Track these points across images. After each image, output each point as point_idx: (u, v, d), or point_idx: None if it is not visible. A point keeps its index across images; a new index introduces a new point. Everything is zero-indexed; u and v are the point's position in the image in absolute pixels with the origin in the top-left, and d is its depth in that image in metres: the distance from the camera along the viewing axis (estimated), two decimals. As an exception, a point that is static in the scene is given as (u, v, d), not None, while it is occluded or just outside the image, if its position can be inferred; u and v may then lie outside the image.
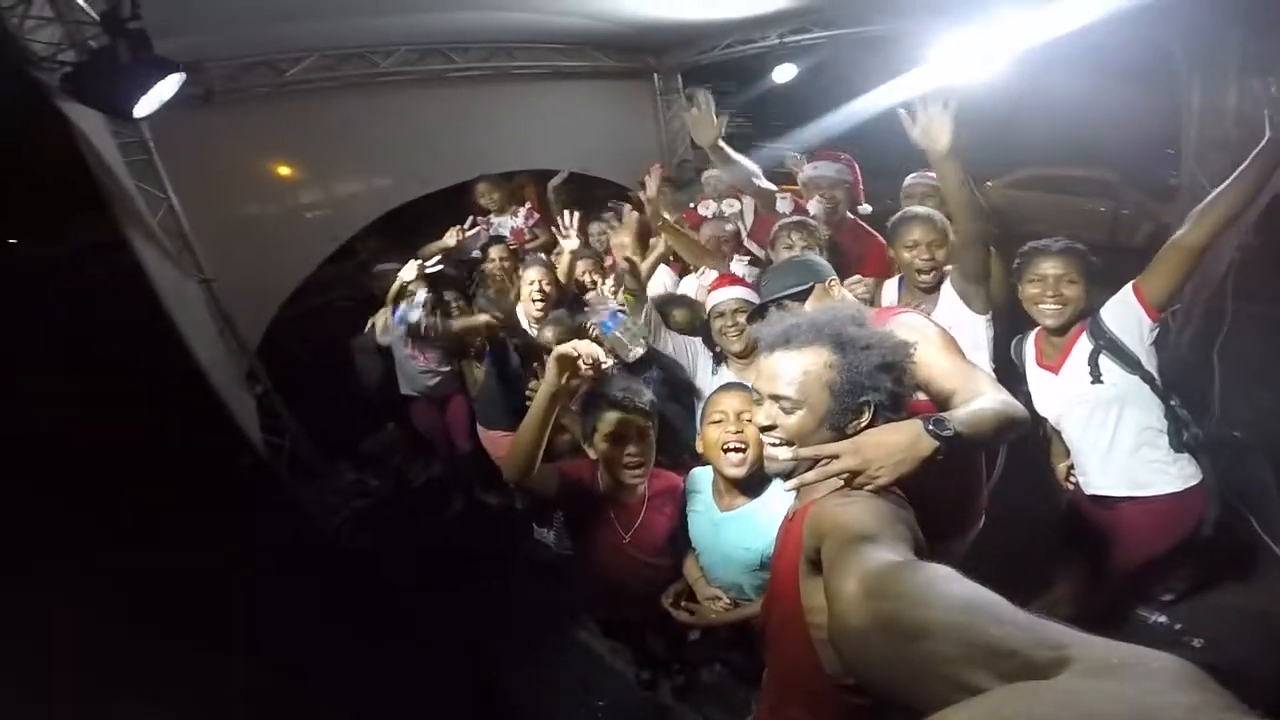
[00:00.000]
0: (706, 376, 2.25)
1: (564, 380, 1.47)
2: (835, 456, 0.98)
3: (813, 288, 1.68)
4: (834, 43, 3.67)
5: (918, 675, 0.52)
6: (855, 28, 3.47)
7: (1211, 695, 0.37)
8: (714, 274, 2.39)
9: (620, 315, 1.98)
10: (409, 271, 2.95)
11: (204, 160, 3.08)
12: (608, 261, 3.16)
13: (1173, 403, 1.83)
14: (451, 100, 3.93)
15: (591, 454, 1.75)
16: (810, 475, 1.01)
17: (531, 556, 3.13)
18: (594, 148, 4.64)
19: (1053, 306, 1.83)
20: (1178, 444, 1.82)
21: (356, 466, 3.93)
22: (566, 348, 1.47)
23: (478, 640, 2.73)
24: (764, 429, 1.12)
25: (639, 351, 1.95)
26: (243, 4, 2.59)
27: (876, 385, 1.05)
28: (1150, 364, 1.80)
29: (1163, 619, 2.42)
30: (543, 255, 3.21)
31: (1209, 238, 1.67)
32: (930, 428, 0.99)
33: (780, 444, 1.12)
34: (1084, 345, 1.83)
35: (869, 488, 0.97)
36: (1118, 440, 1.84)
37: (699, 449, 1.69)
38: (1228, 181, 1.64)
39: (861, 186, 2.97)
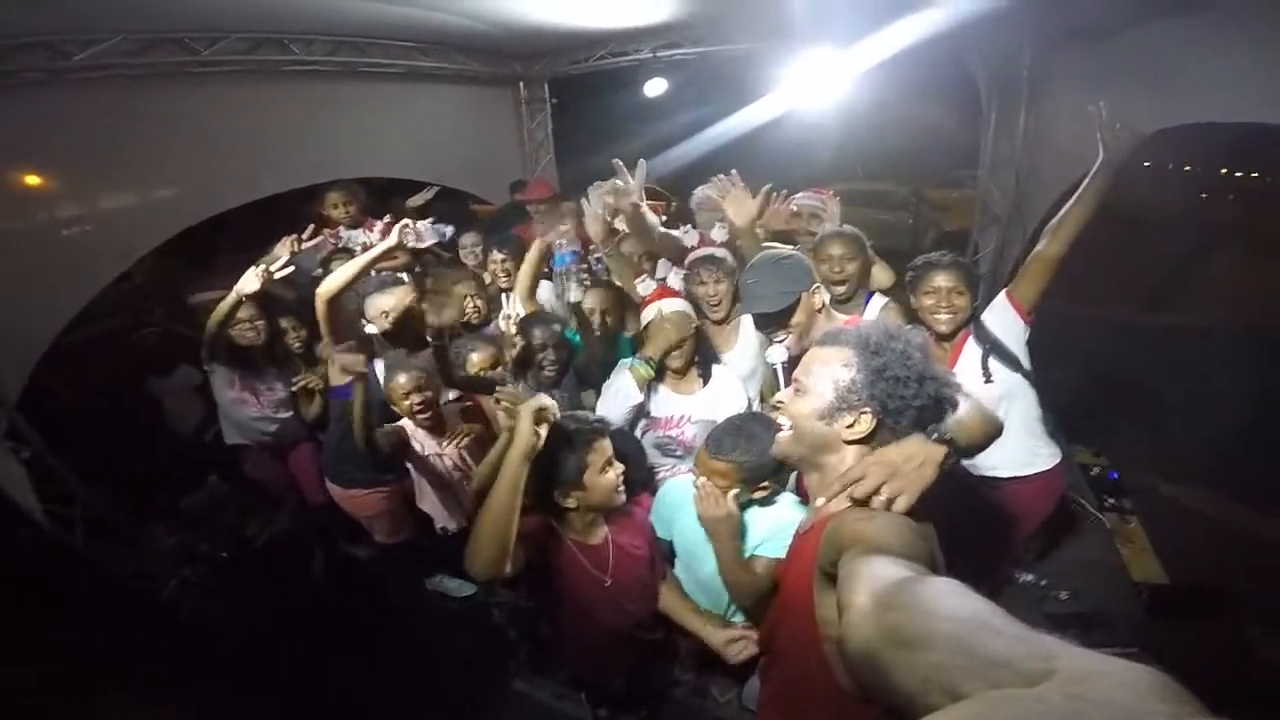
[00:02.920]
0: (634, 397, 2.16)
1: (539, 437, 1.36)
2: (861, 478, 1.01)
3: (800, 298, 1.73)
4: (702, 59, 3.85)
5: (919, 685, 0.53)
6: (722, 45, 3.68)
7: (1187, 706, 0.39)
8: (652, 285, 2.36)
9: (575, 254, 1.96)
10: (249, 282, 2.48)
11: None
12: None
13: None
14: (288, 98, 3.52)
15: (570, 501, 1.56)
16: (836, 488, 1.04)
17: (429, 608, 2.87)
18: (451, 157, 4.41)
19: (945, 315, 2.08)
20: (1050, 429, 2.14)
21: (177, 529, 3.32)
22: (544, 399, 1.37)
23: (399, 706, 2.44)
24: (775, 405, 1.20)
25: (577, 296, 1.92)
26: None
27: (874, 394, 1.08)
28: (1026, 362, 2.09)
29: (1030, 577, 2.82)
30: (404, 275, 2.97)
31: (1065, 248, 1.98)
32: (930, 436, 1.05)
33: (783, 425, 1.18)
34: (972, 348, 2.09)
35: (900, 502, 0.99)
36: (1008, 430, 2.11)
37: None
38: (1074, 199, 1.95)
39: None
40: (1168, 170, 11.62)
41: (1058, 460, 2.19)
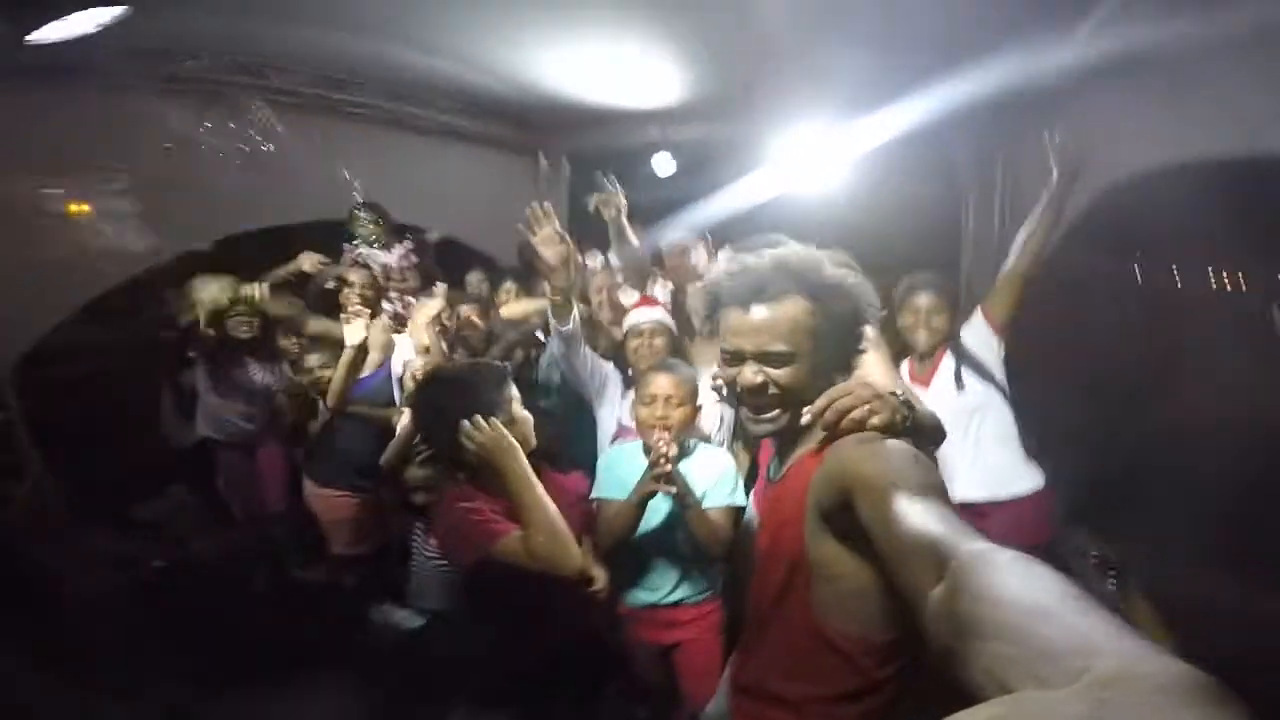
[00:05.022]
0: (615, 400, 2.39)
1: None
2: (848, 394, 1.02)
3: None
4: (709, 139, 4.24)
5: (981, 676, 0.53)
6: (732, 124, 4.06)
7: (1226, 713, 0.36)
8: (634, 296, 2.52)
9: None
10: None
11: None
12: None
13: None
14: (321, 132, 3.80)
15: None
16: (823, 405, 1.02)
17: (368, 644, 2.66)
18: (465, 214, 4.69)
19: (924, 334, 2.19)
20: (1028, 447, 2.14)
21: (118, 532, 3.18)
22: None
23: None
24: (754, 390, 1.11)
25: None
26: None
27: (859, 337, 1.13)
28: (1001, 377, 2.15)
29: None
30: (411, 299, 3.14)
31: (1033, 265, 2.10)
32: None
33: (770, 406, 1.12)
34: (949, 362, 2.15)
35: (876, 418, 1.00)
36: (981, 443, 2.14)
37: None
38: (1033, 216, 2.09)
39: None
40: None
41: (1040, 487, 2.17)
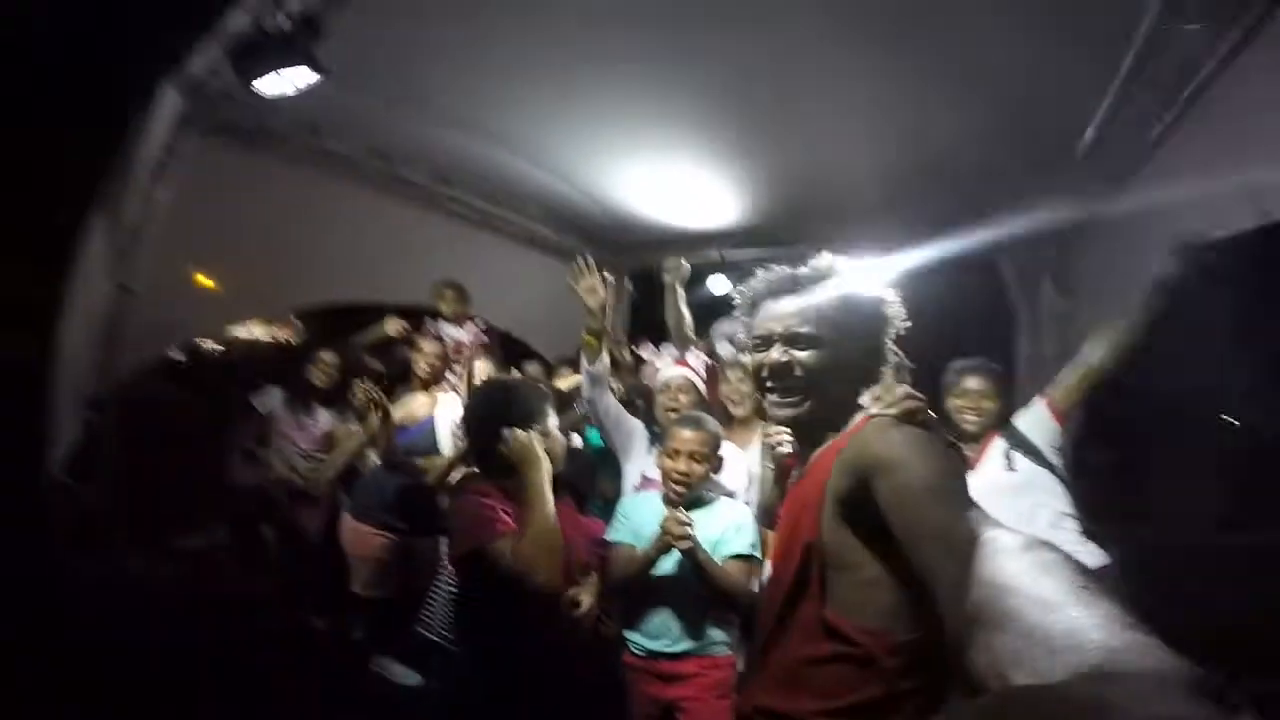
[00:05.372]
0: (641, 454, 2.49)
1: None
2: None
3: None
4: (767, 259, 4.54)
5: (986, 668, 0.53)
6: (791, 246, 4.37)
7: (1225, 708, 0.35)
8: (668, 359, 2.70)
9: None
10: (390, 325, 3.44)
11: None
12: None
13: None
14: (391, 212, 4.20)
15: None
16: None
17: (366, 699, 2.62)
18: (534, 315, 5.06)
19: (973, 417, 2.22)
20: (1085, 530, 2.04)
21: (158, 559, 3.26)
22: None
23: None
24: (779, 370, 1.14)
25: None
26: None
27: (882, 345, 1.18)
28: (1057, 461, 2.12)
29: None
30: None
31: (1115, 362, 2.11)
32: None
33: (794, 390, 1.14)
34: (999, 444, 2.19)
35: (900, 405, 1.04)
36: (1034, 524, 2.04)
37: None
38: (1133, 314, 2.12)
39: None
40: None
41: (1103, 563, 2.03)
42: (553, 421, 1.82)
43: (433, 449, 2.96)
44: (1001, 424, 2.24)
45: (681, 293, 3.04)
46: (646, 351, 3.68)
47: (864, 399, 1.14)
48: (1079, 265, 3.43)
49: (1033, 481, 2.12)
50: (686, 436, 2.01)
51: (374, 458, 2.94)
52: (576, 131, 3.60)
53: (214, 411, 4.06)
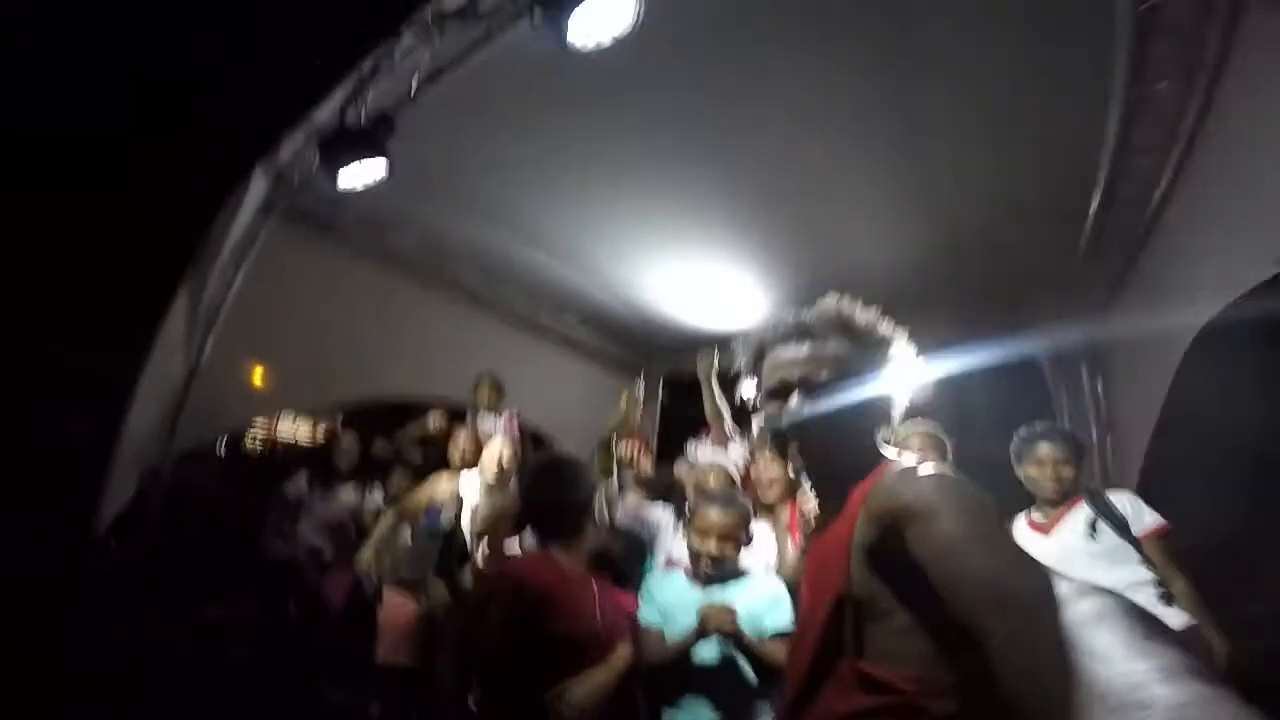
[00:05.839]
0: (668, 538, 2.62)
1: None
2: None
3: None
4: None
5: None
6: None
7: None
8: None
9: None
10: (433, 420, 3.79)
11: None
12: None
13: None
14: (435, 308, 4.50)
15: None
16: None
17: None
18: (557, 416, 5.16)
19: (1052, 485, 2.22)
20: (1165, 598, 1.98)
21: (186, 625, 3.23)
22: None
23: None
24: (795, 421, 1.11)
25: None
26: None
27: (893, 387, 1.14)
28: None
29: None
30: None
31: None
32: None
33: (808, 441, 1.11)
34: (1082, 511, 2.16)
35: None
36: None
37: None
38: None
39: None
40: None
41: (1188, 626, 1.92)
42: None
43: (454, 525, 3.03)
44: (1082, 490, 2.21)
45: (715, 385, 3.15)
46: (690, 446, 3.74)
47: (880, 440, 1.12)
48: (1112, 346, 3.48)
49: (1113, 550, 2.06)
50: (714, 517, 1.98)
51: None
52: (610, 235, 3.93)
53: (248, 500, 4.20)
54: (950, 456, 2.28)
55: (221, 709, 2.68)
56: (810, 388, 1.09)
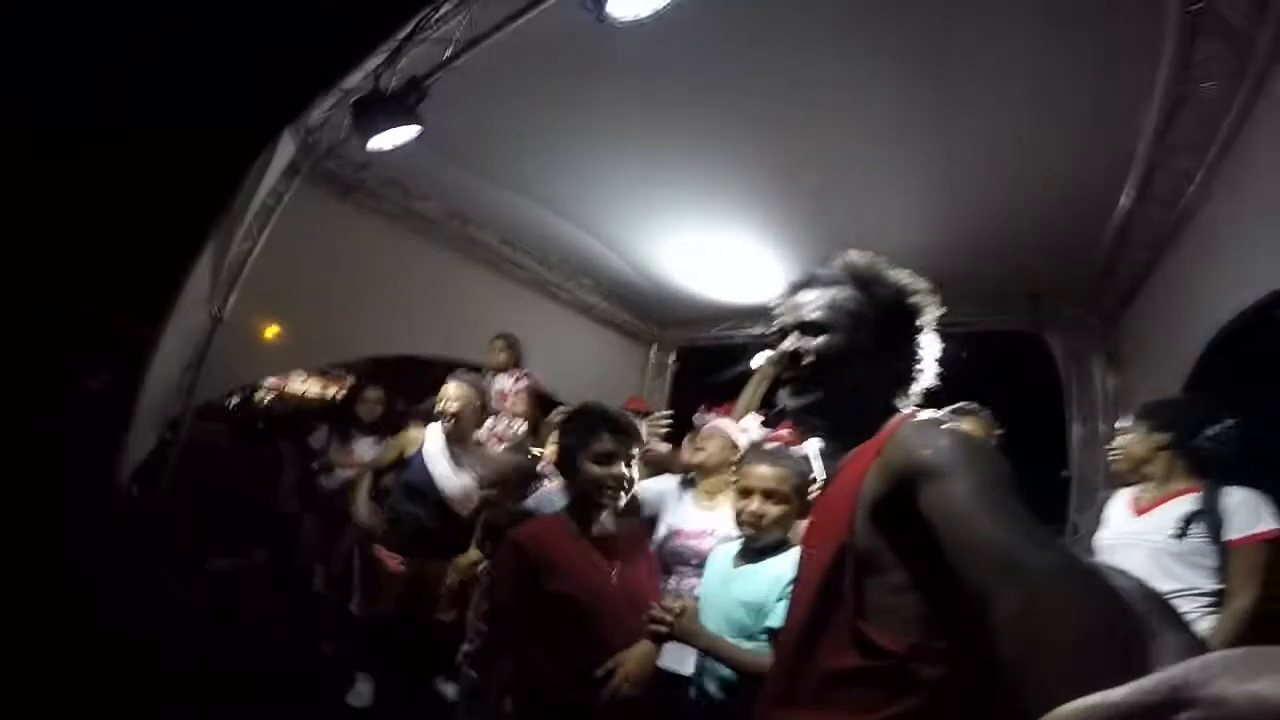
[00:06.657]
0: (671, 507, 2.45)
1: None
2: None
3: None
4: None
5: (1034, 690, 0.54)
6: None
7: None
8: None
9: None
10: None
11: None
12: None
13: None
14: (462, 273, 4.57)
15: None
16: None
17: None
18: (572, 381, 5.15)
19: (1124, 464, 2.26)
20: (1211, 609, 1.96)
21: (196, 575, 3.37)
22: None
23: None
24: (790, 358, 1.07)
25: None
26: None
27: (912, 336, 1.09)
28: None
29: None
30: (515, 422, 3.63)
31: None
32: None
33: (806, 379, 1.07)
34: (1183, 504, 2.06)
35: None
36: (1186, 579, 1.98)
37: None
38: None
39: None
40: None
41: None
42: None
43: (426, 478, 3.00)
44: (1208, 483, 2.07)
45: (764, 389, 3.15)
46: (697, 415, 3.79)
47: (899, 401, 1.08)
48: (1128, 339, 3.50)
49: (1189, 558, 1.99)
50: (763, 472, 1.72)
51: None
52: (633, 206, 3.95)
53: (261, 455, 4.31)
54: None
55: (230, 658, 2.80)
56: (806, 328, 1.06)
